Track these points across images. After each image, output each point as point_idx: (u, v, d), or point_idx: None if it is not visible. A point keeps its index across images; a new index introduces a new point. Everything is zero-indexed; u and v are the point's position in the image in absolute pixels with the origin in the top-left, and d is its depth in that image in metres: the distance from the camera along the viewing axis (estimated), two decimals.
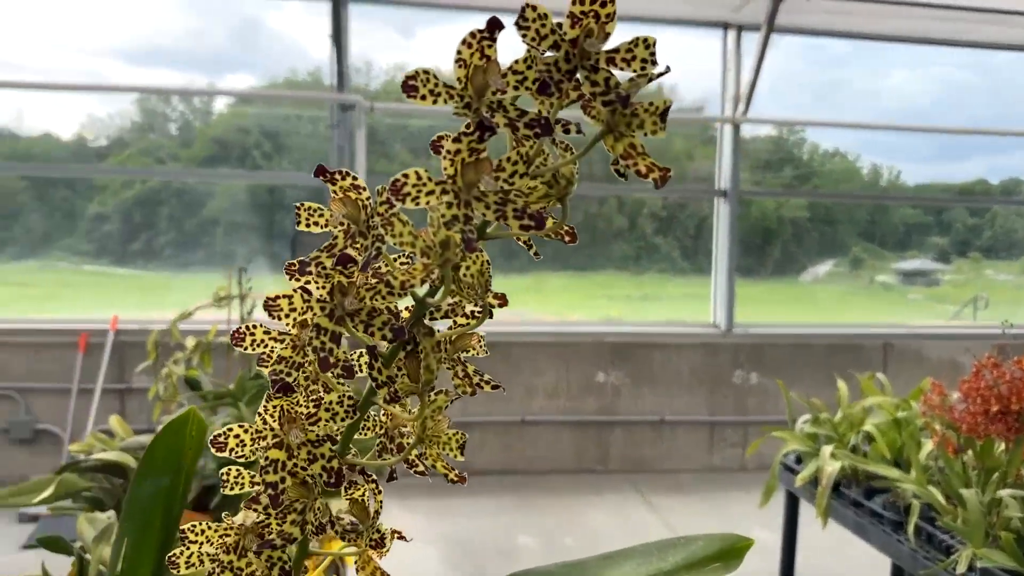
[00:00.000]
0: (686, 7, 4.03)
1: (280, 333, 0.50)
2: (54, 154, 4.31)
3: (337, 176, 0.46)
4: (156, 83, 4.36)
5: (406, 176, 0.40)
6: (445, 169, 0.41)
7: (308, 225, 0.49)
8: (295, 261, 0.47)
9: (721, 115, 4.25)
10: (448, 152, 0.40)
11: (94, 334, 3.56)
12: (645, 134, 0.42)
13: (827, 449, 2.12)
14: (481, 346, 0.59)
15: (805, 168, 5.07)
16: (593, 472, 4.03)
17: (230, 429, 0.49)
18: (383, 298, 0.47)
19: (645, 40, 0.43)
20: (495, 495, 3.62)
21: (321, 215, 0.48)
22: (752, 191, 4.60)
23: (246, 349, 0.50)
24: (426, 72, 0.41)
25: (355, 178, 0.46)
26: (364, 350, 0.50)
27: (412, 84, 0.41)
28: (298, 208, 0.48)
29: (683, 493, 3.77)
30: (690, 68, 4.59)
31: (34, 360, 3.56)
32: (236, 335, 0.49)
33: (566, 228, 0.52)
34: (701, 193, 4.50)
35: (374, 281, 0.46)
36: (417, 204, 0.40)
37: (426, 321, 0.52)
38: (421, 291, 0.49)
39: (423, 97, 0.41)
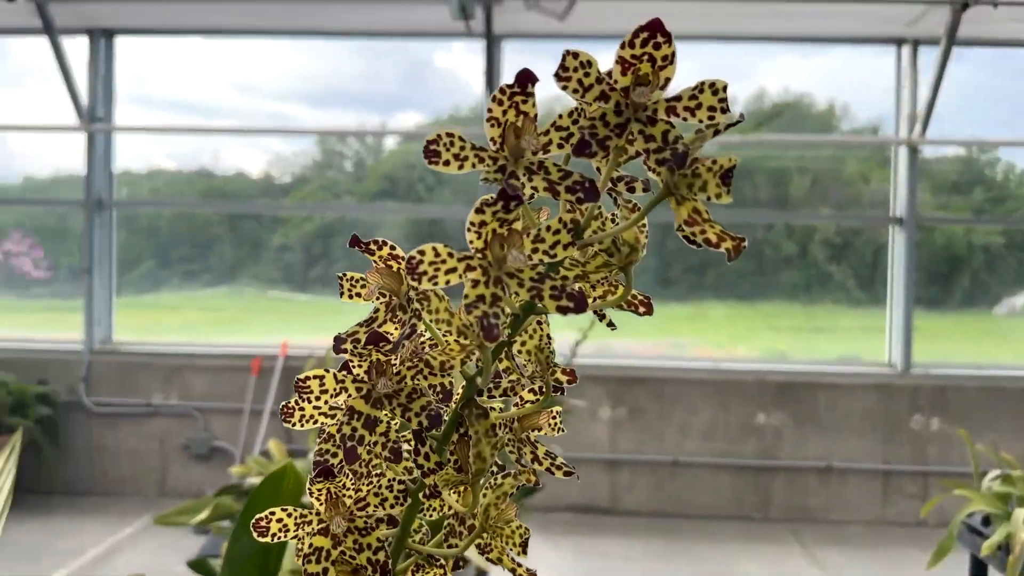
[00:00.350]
0: (856, 24, 3.77)
1: (331, 408, 0.47)
2: (244, 191, 4.69)
3: (373, 245, 0.42)
4: (334, 123, 4.65)
5: (422, 253, 0.35)
6: (471, 242, 0.36)
7: (351, 296, 0.45)
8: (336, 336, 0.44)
9: (896, 137, 3.92)
10: (472, 224, 0.35)
11: (267, 359, 3.80)
12: (708, 198, 0.35)
13: (1021, 514, 1.84)
14: (557, 424, 0.53)
15: (999, 190, 4.56)
16: (751, 520, 3.78)
17: (272, 513, 0.46)
18: (425, 378, 0.43)
19: (712, 84, 0.36)
20: (644, 537, 3.48)
21: (364, 286, 0.45)
22: (934, 218, 4.19)
23: (294, 425, 0.47)
24: (449, 135, 0.37)
25: (393, 247, 0.42)
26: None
27: (433, 149, 0.37)
28: (340, 278, 0.45)
29: (851, 547, 3.45)
30: (863, 85, 4.29)
31: (213, 381, 3.86)
32: (285, 410, 0.47)
33: (640, 298, 0.46)
34: (874, 221, 4.16)
35: (414, 360, 0.42)
36: (436, 284, 0.35)
37: (481, 400, 0.47)
38: (472, 368, 0.45)
39: (446, 163, 0.37)
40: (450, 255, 0.35)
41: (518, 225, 0.36)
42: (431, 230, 4.50)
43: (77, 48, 3.88)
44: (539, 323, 0.45)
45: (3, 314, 4.47)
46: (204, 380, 3.87)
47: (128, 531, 3.27)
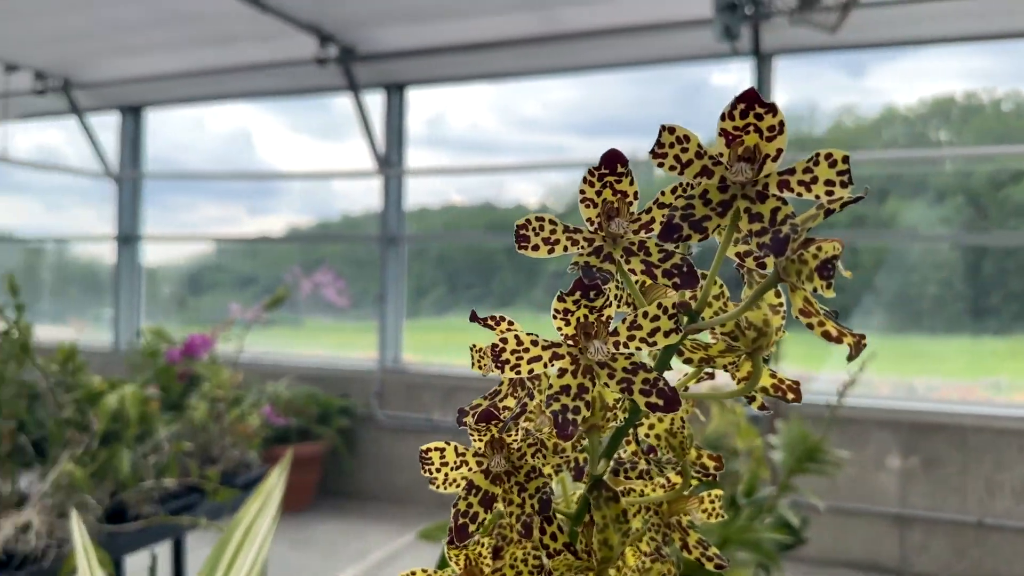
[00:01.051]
0: None
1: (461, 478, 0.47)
2: None
3: (491, 321, 0.42)
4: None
5: (504, 341, 0.34)
6: (559, 329, 0.34)
7: (480, 367, 0.46)
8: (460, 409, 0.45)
9: None
10: (556, 311, 0.34)
11: None
12: (815, 290, 0.30)
13: None
14: (716, 510, 0.49)
15: None
16: None
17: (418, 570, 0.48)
18: (544, 457, 0.42)
19: (829, 155, 0.31)
20: None
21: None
22: None
23: (438, 488, 0.48)
24: (539, 219, 0.35)
25: (511, 323, 0.42)
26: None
27: (523, 234, 0.36)
28: (470, 350, 0.45)
29: None
30: None
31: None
32: (423, 456, 0.47)
33: (787, 384, 0.40)
34: None
35: (531, 438, 0.41)
36: (519, 373, 0.34)
37: (615, 481, 0.44)
38: (599, 448, 0.42)
39: (535, 247, 0.35)
40: (533, 343, 0.34)
41: (610, 311, 0.34)
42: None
43: (375, 102, 4.41)
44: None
45: (316, 335, 5.17)
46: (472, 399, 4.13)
47: (408, 538, 3.58)
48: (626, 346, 0.34)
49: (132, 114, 5.10)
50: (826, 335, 0.31)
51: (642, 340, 0.34)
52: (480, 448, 0.43)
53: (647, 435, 0.42)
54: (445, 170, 4.70)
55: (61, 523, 2.25)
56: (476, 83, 4.54)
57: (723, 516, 0.50)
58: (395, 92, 4.39)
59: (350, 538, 3.58)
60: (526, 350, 0.34)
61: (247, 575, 0.94)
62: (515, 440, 0.42)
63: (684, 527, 0.47)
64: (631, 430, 0.41)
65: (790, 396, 0.40)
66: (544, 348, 0.34)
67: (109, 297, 5.21)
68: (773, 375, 0.40)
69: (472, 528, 0.41)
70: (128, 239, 5.11)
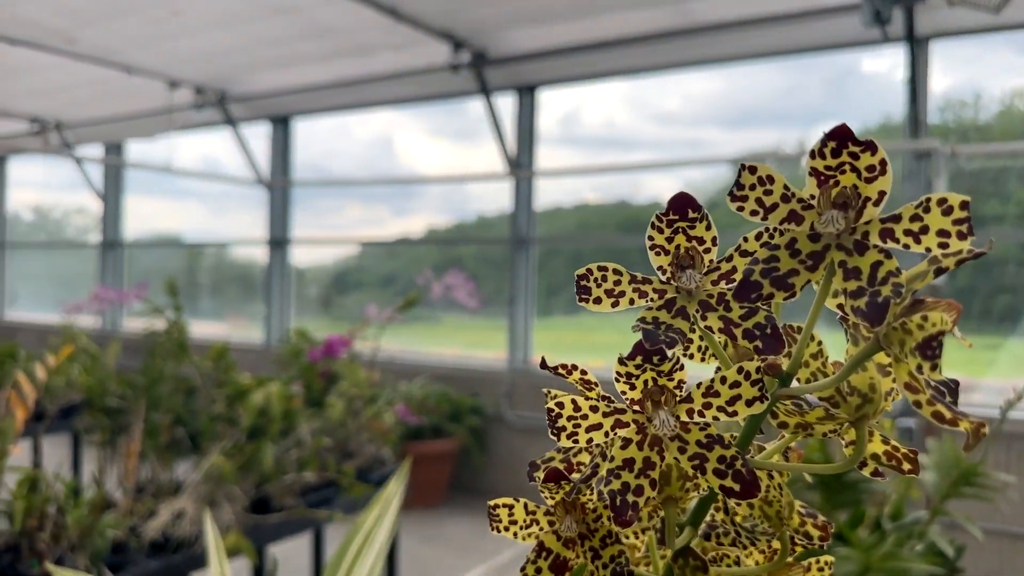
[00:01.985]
0: None
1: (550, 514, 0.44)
2: None
3: (562, 370, 0.39)
4: (750, 144, 4.53)
5: (560, 405, 0.31)
6: (624, 393, 0.31)
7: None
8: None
9: None
10: (619, 375, 0.30)
11: None
12: (919, 368, 0.25)
13: None
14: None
15: None
16: None
17: None
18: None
19: (944, 200, 0.26)
20: None
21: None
22: None
23: (515, 538, 0.46)
24: (602, 268, 0.32)
25: (584, 372, 0.38)
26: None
27: (584, 286, 0.32)
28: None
29: None
30: None
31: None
32: (491, 512, 0.44)
33: (902, 452, 0.35)
34: None
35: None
36: (577, 442, 0.31)
37: (706, 546, 0.40)
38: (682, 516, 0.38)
39: (597, 300, 0.32)
40: (593, 409, 0.31)
41: (682, 375, 0.30)
42: None
43: (507, 104, 4.44)
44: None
45: (453, 333, 5.28)
46: None
47: None
48: (701, 415, 0.30)
49: (281, 124, 5.41)
50: (937, 417, 0.26)
51: (720, 409, 0.30)
52: (551, 507, 0.40)
53: (738, 503, 0.38)
54: (575, 170, 4.66)
55: (212, 511, 2.40)
56: (608, 80, 4.47)
57: None
58: (526, 94, 4.40)
59: (480, 536, 3.63)
60: (584, 416, 0.31)
61: None
62: (590, 500, 0.38)
63: None
64: (720, 498, 0.37)
65: (906, 467, 0.35)
66: (606, 415, 0.31)
67: (261, 296, 5.56)
68: (886, 442, 0.35)
69: None
70: (278, 242, 5.43)
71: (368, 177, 5.49)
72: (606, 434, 0.31)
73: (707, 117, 4.74)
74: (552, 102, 4.59)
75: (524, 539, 0.42)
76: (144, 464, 2.49)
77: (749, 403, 0.30)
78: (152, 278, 6.79)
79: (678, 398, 0.30)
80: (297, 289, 5.69)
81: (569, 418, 0.31)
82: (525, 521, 0.40)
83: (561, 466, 0.41)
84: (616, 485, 0.29)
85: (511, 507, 0.40)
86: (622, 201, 4.95)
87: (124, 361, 3.59)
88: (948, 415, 0.25)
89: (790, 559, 0.41)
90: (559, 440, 0.32)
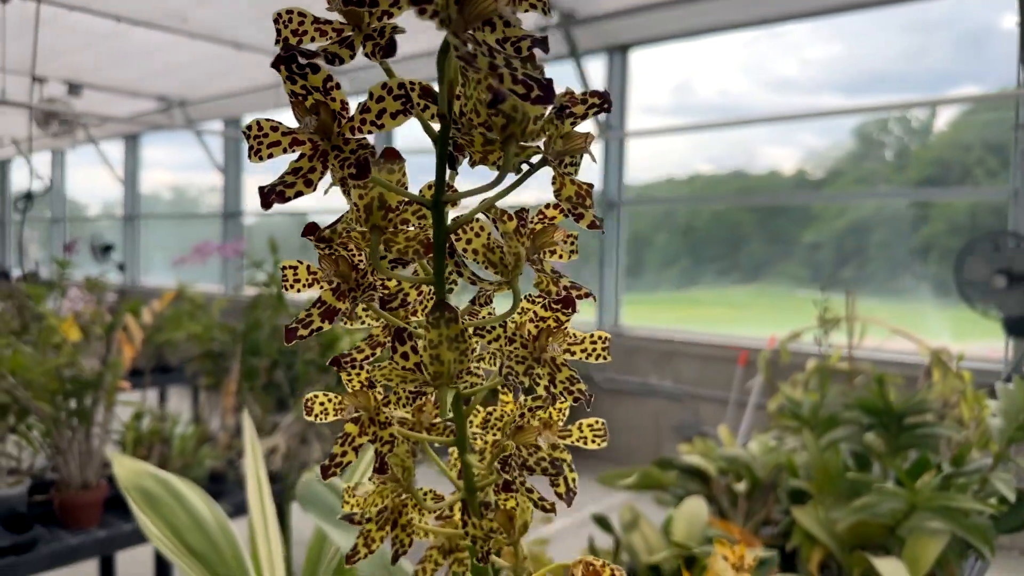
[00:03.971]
0: None
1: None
2: (777, 188, 4.59)
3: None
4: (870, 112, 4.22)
5: (249, 128, 0.37)
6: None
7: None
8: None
9: None
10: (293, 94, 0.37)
11: (753, 351, 3.81)
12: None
13: None
14: (597, 349, 0.47)
15: None
16: None
17: (316, 396, 0.48)
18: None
19: None
20: None
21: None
22: None
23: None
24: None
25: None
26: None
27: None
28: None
29: None
30: None
31: (703, 369, 4.02)
32: (282, 272, 0.46)
33: (586, 187, 0.39)
34: None
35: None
36: (263, 159, 0.37)
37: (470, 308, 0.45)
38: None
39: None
40: (283, 134, 0.37)
41: (340, 94, 0.36)
42: (991, 220, 3.80)
43: (597, 68, 4.44)
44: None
45: None
46: (694, 367, 4.06)
47: (622, 497, 3.64)
48: (360, 131, 0.36)
49: None
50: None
51: (372, 124, 0.35)
52: (320, 265, 0.43)
53: (464, 250, 0.41)
54: (667, 130, 4.61)
55: (303, 448, 2.59)
56: (700, 38, 4.35)
57: (606, 358, 0.48)
58: (617, 54, 4.38)
59: (582, 493, 3.71)
60: (266, 135, 0.37)
61: None
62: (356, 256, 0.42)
63: (557, 363, 0.45)
64: (448, 245, 0.41)
65: (588, 204, 0.40)
66: (285, 135, 0.37)
67: None
68: (573, 182, 0.40)
69: (301, 333, 0.42)
70: None
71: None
72: (284, 150, 0.37)
73: (826, 83, 4.52)
74: (666, 69, 4.50)
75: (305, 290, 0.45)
76: (243, 404, 2.71)
77: (394, 116, 0.35)
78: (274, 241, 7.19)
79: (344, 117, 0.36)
80: None
81: (255, 137, 0.37)
82: (308, 280, 0.44)
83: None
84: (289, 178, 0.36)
85: (295, 268, 0.44)
86: (737, 171, 4.78)
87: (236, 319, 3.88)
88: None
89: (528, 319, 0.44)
90: (255, 160, 0.37)
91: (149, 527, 0.89)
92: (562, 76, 5.08)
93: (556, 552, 1.92)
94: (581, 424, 0.50)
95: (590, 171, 4.62)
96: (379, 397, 0.47)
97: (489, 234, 0.41)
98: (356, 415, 0.46)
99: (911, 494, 1.39)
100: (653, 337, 4.27)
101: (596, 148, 4.49)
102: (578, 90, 0.41)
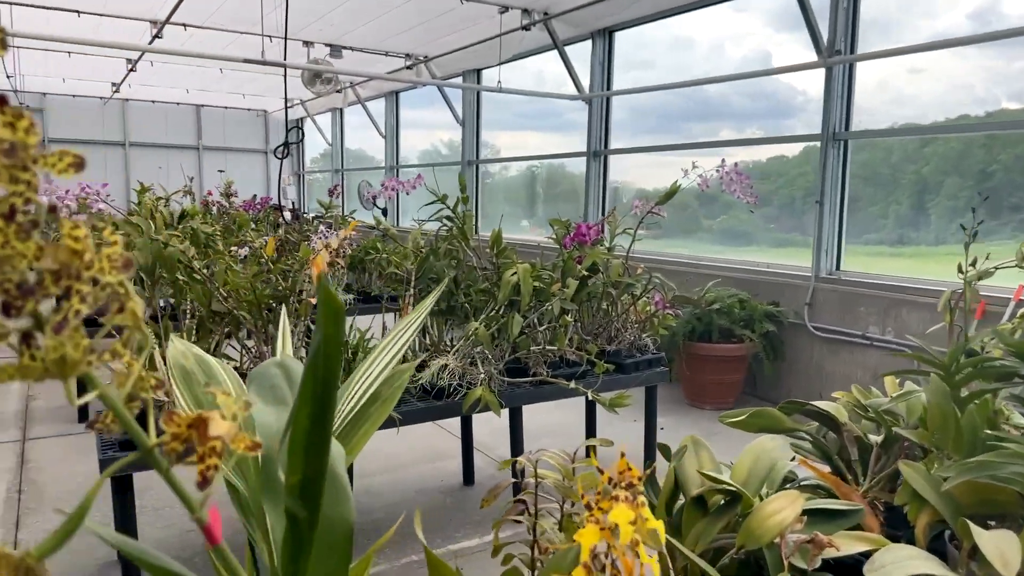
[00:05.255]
0: None
1: None
2: None
3: None
4: None
5: None
6: None
7: None
8: None
9: None
10: None
11: (994, 302, 3.32)
12: None
13: None
14: None
15: None
16: None
17: None
18: None
19: None
20: None
21: None
22: None
23: None
24: None
25: None
26: None
27: None
28: None
29: None
30: None
31: (931, 320, 3.58)
32: None
33: None
34: None
35: None
36: None
37: None
38: None
39: None
40: None
41: None
42: None
43: None
44: None
45: (747, 244, 5.07)
46: (920, 318, 3.64)
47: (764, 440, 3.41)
48: None
49: (602, 37, 5.59)
50: None
51: None
52: None
53: None
54: (897, 51, 4.07)
55: (471, 369, 2.77)
56: None
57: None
58: None
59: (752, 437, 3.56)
60: None
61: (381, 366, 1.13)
62: None
63: None
64: None
65: None
66: None
67: (582, 205, 5.92)
68: None
69: None
70: (596, 154, 5.69)
71: (668, 83, 5.42)
72: None
73: None
74: None
75: None
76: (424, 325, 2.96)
77: None
78: (504, 193, 7.58)
79: None
80: (614, 198, 5.92)
81: None
82: None
83: None
84: None
85: None
86: None
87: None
88: None
89: None
90: None
91: (179, 400, 1.05)
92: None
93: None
94: None
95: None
96: None
97: None
98: None
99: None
100: (878, 283, 3.87)
101: (818, 75, 4.11)
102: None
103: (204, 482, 0.44)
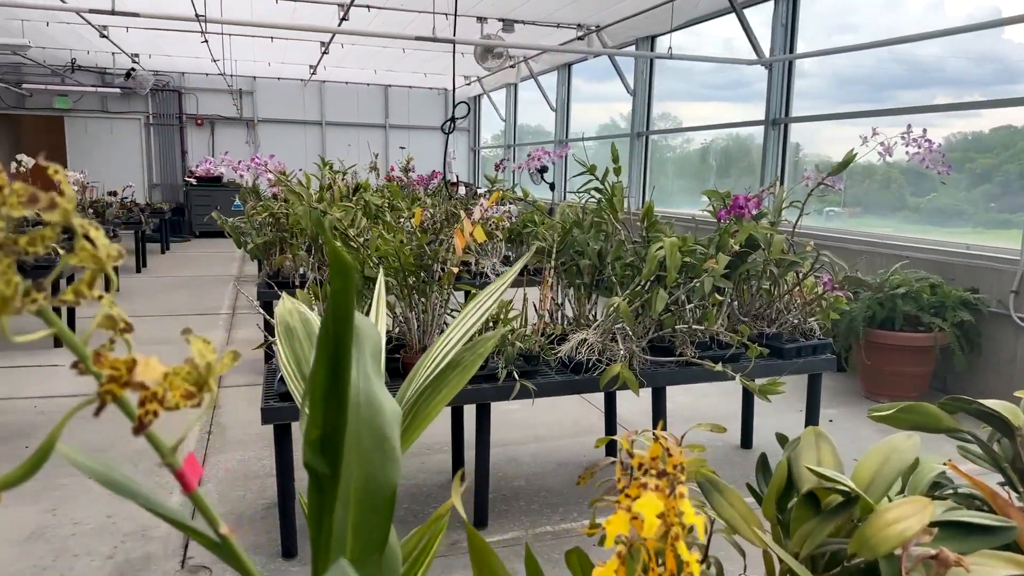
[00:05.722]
0: None
1: None
2: None
3: None
4: None
5: None
6: None
7: None
8: None
9: None
10: None
11: None
12: None
13: None
14: None
15: None
16: None
17: None
18: None
19: None
20: None
21: None
22: None
23: None
24: None
25: None
26: None
27: None
28: None
29: None
30: None
31: None
32: None
33: None
34: None
35: None
36: None
37: None
38: None
39: None
40: None
41: None
42: None
43: None
44: None
45: (960, 224, 4.50)
46: None
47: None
48: None
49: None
50: None
51: None
52: None
53: None
54: None
55: (610, 345, 2.70)
56: None
57: None
58: None
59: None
60: None
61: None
62: None
63: None
64: None
65: None
66: None
67: (759, 175, 5.56)
68: None
69: None
70: (775, 122, 5.32)
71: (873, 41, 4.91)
72: None
73: None
74: None
75: None
76: (566, 298, 2.91)
77: None
78: (675, 165, 7.32)
79: None
80: (792, 168, 5.51)
81: None
82: None
83: None
84: None
85: None
86: None
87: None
88: None
89: None
90: None
91: (280, 355, 1.07)
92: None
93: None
94: None
95: None
96: None
97: None
98: None
99: None
100: None
101: None
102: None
103: (140, 427, 0.42)
